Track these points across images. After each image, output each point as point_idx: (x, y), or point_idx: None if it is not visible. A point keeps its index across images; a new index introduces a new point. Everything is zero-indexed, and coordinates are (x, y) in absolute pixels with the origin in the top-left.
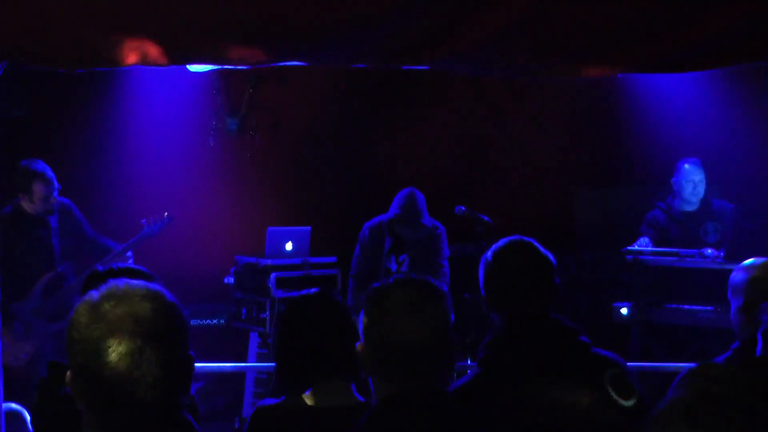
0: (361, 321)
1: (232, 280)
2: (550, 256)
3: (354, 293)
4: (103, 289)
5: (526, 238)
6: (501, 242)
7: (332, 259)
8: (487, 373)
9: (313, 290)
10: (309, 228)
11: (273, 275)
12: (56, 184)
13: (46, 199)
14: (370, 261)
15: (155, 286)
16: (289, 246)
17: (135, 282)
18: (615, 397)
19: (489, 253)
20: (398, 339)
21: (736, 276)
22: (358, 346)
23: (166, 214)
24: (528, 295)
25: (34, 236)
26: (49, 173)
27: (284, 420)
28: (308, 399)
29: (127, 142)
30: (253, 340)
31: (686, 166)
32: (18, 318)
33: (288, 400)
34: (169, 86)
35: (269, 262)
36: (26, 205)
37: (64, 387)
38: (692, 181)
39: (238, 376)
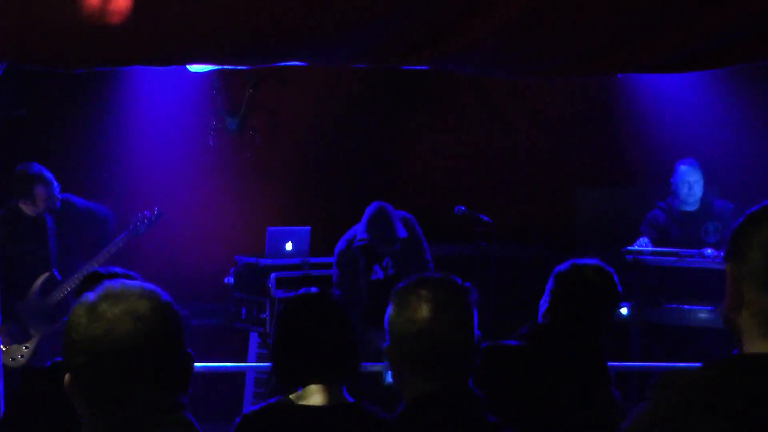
0: (388, 320)
1: (232, 280)
2: (620, 290)
3: None
4: (99, 289)
5: (606, 267)
6: (581, 261)
7: (332, 259)
8: (528, 348)
9: (312, 289)
10: (309, 228)
11: (273, 275)
12: (56, 183)
13: (49, 198)
14: (352, 280)
15: (150, 286)
16: (289, 246)
17: (130, 282)
18: None
19: (567, 265)
20: (425, 334)
21: None
22: (386, 347)
23: (156, 209)
24: (583, 319)
25: (30, 238)
26: (48, 174)
27: (269, 420)
28: (296, 398)
29: (127, 142)
30: (253, 340)
31: (682, 167)
32: (18, 319)
33: (278, 400)
34: (169, 86)
35: (269, 262)
36: (26, 208)
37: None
38: (687, 182)
39: (238, 376)
